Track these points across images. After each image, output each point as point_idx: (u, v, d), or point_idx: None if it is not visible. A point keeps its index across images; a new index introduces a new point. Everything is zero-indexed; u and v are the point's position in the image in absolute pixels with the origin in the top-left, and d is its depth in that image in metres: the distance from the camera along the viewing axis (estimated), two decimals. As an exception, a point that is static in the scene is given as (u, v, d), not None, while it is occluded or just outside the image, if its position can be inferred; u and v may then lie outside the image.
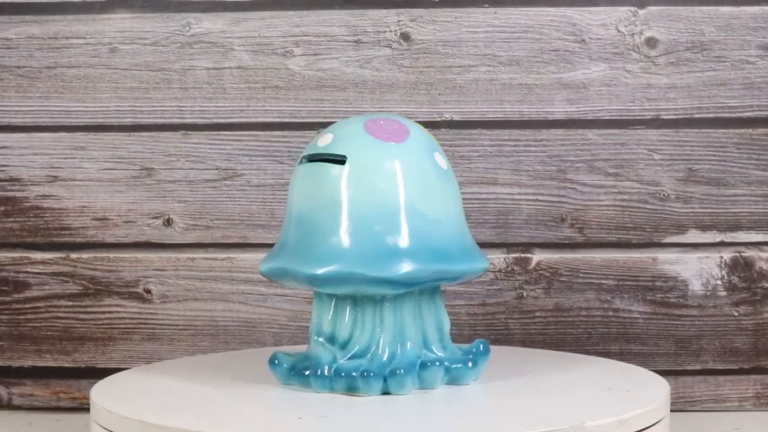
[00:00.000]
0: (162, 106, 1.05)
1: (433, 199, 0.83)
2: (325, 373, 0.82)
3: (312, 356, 0.84)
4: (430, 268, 0.82)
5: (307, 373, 0.83)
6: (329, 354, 0.83)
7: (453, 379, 0.85)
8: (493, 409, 0.79)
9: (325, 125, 1.03)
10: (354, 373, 0.82)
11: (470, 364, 0.85)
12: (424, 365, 0.83)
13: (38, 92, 1.05)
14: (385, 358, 0.83)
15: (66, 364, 1.06)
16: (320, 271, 0.81)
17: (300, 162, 0.84)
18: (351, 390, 0.82)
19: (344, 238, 0.81)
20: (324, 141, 0.84)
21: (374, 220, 0.82)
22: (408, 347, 0.84)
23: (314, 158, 0.84)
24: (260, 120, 1.05)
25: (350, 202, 0.82)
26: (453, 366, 0.85)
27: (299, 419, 0.77)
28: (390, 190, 0.82)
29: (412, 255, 0.82)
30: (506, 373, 0.88)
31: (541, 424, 0.74)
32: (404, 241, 0.82)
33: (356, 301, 0.83)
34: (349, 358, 0.83)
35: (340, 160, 0.83)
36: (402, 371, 0.82)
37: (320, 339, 0.84)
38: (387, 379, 0.82)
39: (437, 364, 0.84)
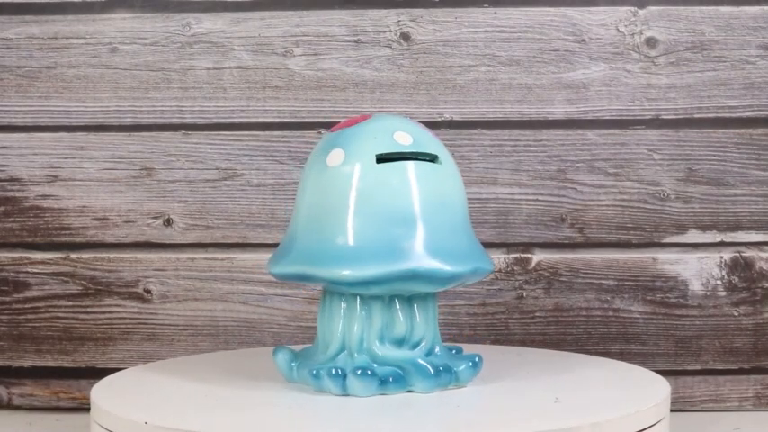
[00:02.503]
0: (162, 106, 1.05)
1: None
2: (431, 373, 0.82)
3: (397, 361, 0.83)
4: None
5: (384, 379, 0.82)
6: (415, 355, 0.83)
7: None
8: (493, 409, 0.79)
9: (325, 125, 1.03)
10: (464, 367, 0.83)
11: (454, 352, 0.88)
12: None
13: (38, 92, 1.05)
14: (440, 353, 0.84)
15: (67, 364, 1.06)
16: (463, 269, 0.81)
17: (379, 161, 0.82)
18: (457, 383, 0.83)
19: (464, 235, 0.83)
20: (405, 140, 0.82)
21: (466, 218, 0.84)
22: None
23: (396, 157, 0.82)
24: (260, 120, 1.05)
25: (453, 200, 0.83)
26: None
27: (556, 401, 0.79)
28: (462, 189, 0.84)
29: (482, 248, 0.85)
30: (506, 373, 0.88)
31: (541, 424, 0.74)
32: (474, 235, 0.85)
33: (419, 299, 0.84)
34: (425, 357, 0.84)
35: (430, 159, 0.83)
36: (478, 359, 0.84)
37: (386, 344, 0.83)
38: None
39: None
